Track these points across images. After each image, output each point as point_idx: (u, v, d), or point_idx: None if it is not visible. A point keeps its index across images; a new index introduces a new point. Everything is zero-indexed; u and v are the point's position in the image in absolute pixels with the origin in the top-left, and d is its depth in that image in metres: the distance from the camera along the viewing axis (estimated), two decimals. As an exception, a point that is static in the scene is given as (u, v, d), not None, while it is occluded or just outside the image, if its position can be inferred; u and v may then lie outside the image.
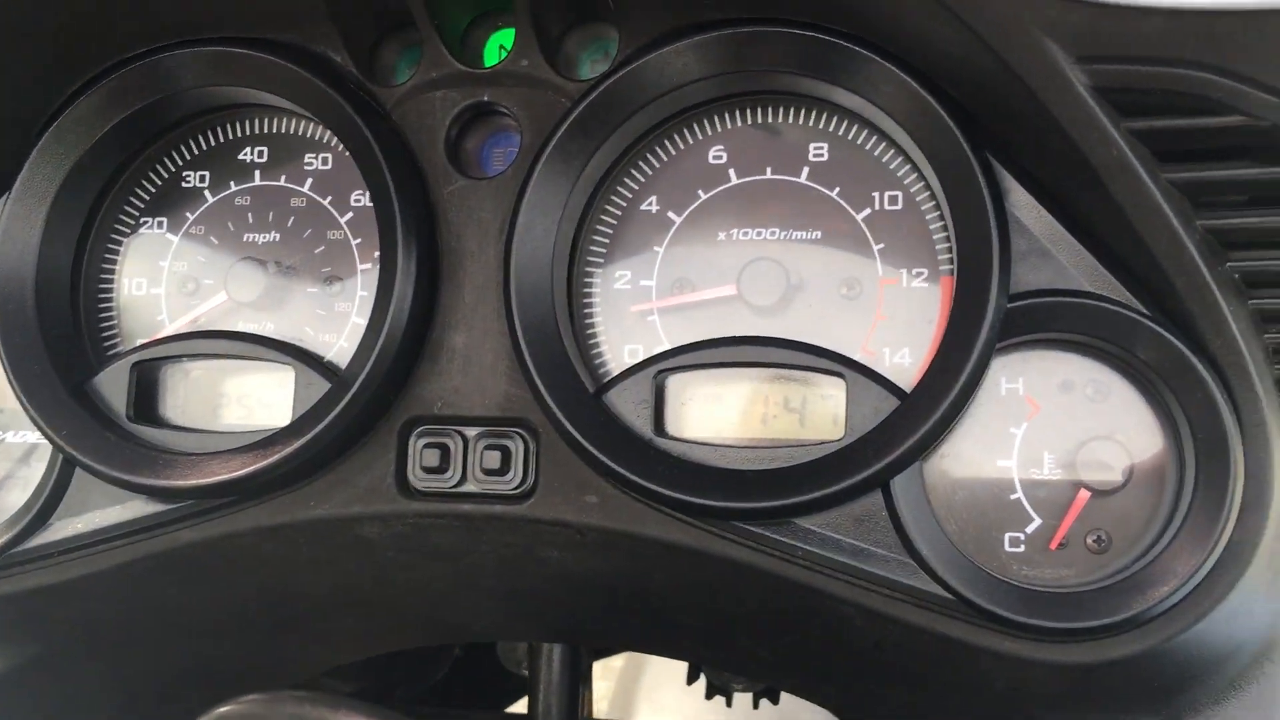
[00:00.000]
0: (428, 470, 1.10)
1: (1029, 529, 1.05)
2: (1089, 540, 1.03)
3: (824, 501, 1.00)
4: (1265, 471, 0.95)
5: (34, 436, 1.24)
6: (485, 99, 1.14)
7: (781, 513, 1.01)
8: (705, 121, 1.16)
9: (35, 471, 1.22)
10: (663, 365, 1.08)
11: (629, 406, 1.07)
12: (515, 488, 1.09)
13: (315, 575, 1.21)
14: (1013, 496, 1.05)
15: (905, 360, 1.09)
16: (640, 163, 1.16)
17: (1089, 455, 1.03)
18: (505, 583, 1.20)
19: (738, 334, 1.11)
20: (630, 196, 1.17)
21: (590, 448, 1.03)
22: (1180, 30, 0.84)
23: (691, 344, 1.08)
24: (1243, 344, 0.95)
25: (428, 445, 1.10)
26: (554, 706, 1.41)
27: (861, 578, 1.01)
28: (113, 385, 1.18)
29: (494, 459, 1.09)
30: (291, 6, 1.11)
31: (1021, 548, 1.05)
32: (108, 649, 1.31)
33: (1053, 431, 1.05)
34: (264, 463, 1.08)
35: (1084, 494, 1.03)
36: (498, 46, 1.21)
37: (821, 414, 1.10)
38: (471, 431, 1.11)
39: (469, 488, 1.10)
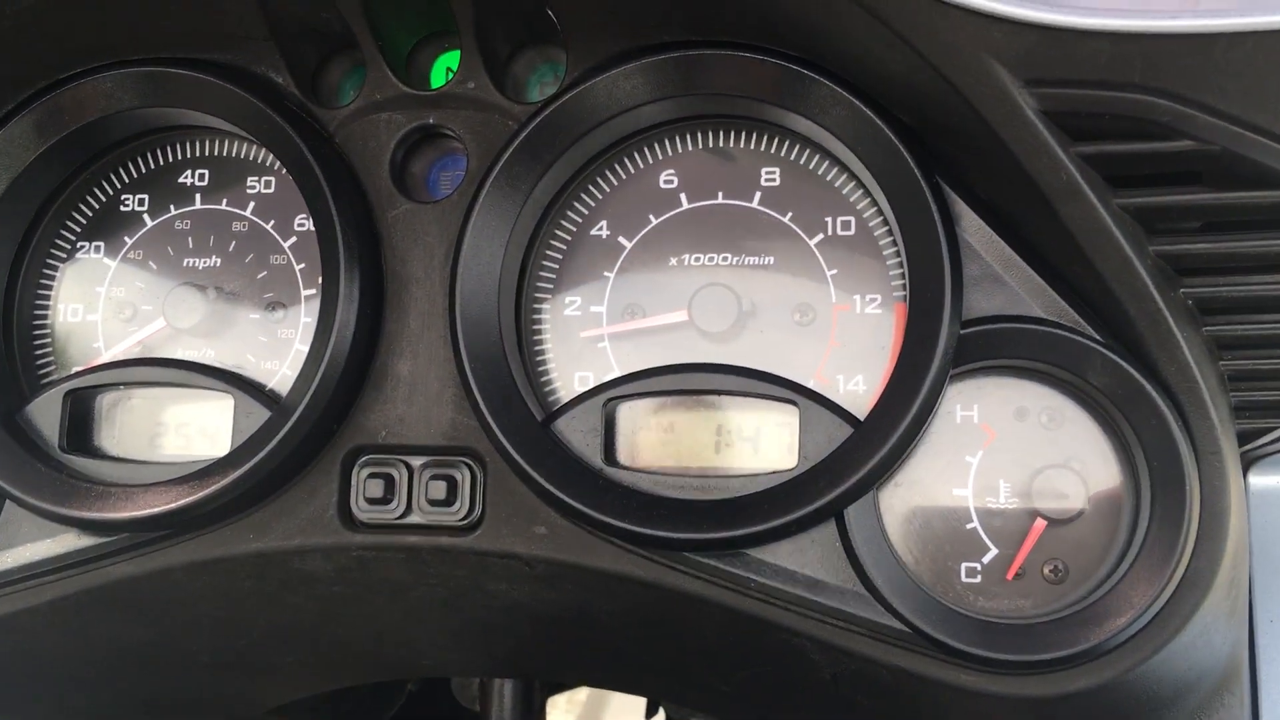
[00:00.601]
0: (371, 501, 1.07)
1: (985, 559, 1.03)
2: (1046, 570, 1.02)
3: (777, 532, 0.97)
4: (1221, 500, 0.94)
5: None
6: (431, 121, 1.12)
7: (733, 544, 0.99)
8: (656, 145, 1.14)
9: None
10: (612, 393, 1.05)
11: (578, 435, 1.05)
12: (462, 519, 1.06)
13: (257, 610, 1.17)
14: (969, 526, 1.04)
15: (859, 387, 1.08)
16: (590, 187, 1.14)
17: (1045, 483, 1.01)
18: (454, 617, 1.16)
19: (689, 360, 1.09)
20: (580, 221, 1.15)
21: (538, 478, 1.01)
22: (1126, 54, 0.83)
23: (642, 371, 1.06)
24: (1196, 371, 0.94)
25: (371, 475, 1.07)
26: (506, 743, 1.37)
27: (816, 610, 0.99)
28: (45, 414, 1.14)
29: (440, 489, 1.06)
30: (232, 27, 1.09)
31: (978, 578, 1.03)
32: (47, 687, 1.26)
33: (1008, 459, 1.04)
34: (200, 494, 1.05)
35: (1040, 523, 1.01)
36: (445, 68, 1.19)
37: (775, 442, 1.08)
38: (417, 461, 1.08)
39: (414, 519, 1.07)
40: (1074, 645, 0.93)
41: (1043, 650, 0.94)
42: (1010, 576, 1.02)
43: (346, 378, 1.07)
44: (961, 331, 0.97)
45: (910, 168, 0.97)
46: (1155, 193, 0.91)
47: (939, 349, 0.95)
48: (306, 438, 1.06)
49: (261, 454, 1.04)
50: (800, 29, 0.95)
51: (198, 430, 1.17)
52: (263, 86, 1.12)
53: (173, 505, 1.05)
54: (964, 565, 1.03)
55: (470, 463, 1.07)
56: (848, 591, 0.98)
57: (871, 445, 0.96)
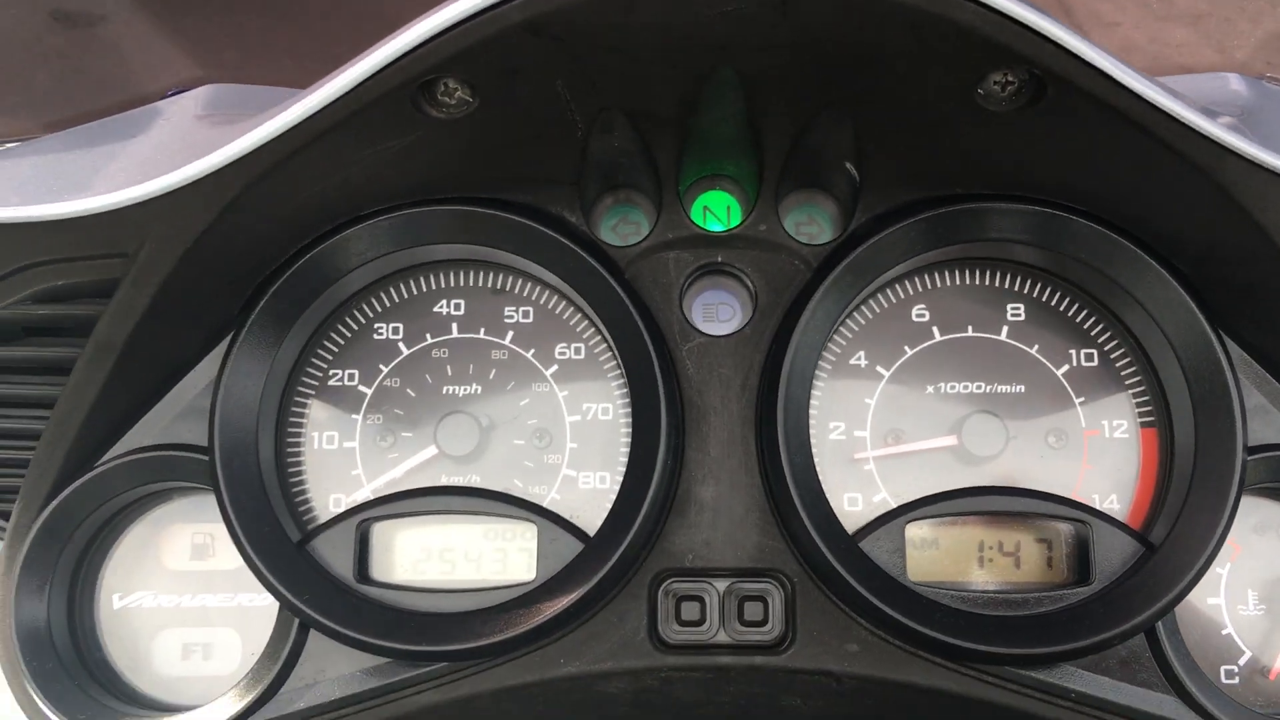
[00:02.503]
0: (684, 624, 1.12)
1: (1241, 661, 1.15)
2: (1298, 669, 1.14)
3: (1099, 645, 1.06)
4: None
5: (246, 599, 1.19)
6: (719, 260, 1.19)
7: (1057, 658, 1.07)
8: (908, 282, 1.24)
9: (243, 638, 1.18)
10: (912, 515, 1.13)
11: (884, 554, 1.12)
12: (774, 638, 1.12)
13: (533, 734, 1.19)
14: (1224, 631, 1.15)
15: (1115, 506, 1.19)
16: (849, 320, 1.23)
17: (1296, 590, 1.14)
18: (726, 733, 1.21)
19: (957, 481, 1.18)
20: (839, 352, 1.23)
21: (861, 589, 1.07)
22: None
23: (940, 494, 1.15)
24: None
25: (684, 598, 1.12)
26: None
27: (1125, 714, 1.08)
28: (335, 545, 1.15)
29: (756, 610, 1.11)
30: (546, 172, 1.14)
31: (1236, 679, 1.14)
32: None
33: (1255, 570, 1.16)
34: (529, 625, 1.08)
35: (1296, 627, 1.14)
36: (703, 208, 1.26)
37: (1035, 557, 1.17)
38: (721, 583, 1.13)
39: (724, 639, 1.12)
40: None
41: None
42: (1273, 677, 1.13)
43: (658, 506, 1.12)
44: (1249, 458, 1.09)
45: (1196, 314, 1.10)
46: None
47: (1235, 477, 1.07)
48: (620, 566, 1.10)
49: (588, 585, 1.08)
50: (1114, 194, 1.08)
51: (485, 555, 1.19)
52: (560, 225, 1.17)
53: (503, 635, 1.07)
54: (1223, 668, 1.15)
55: (776, 583, 1.13)
56: (1159, 696, 1.07)
57: (1179, 567, 1.06)
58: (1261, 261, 1.02)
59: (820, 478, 1.19)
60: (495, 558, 1.20)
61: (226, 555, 1.20)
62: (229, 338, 1.15)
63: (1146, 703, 1.08)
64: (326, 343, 1.25)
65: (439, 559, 1.20)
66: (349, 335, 1.25)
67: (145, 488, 1.16)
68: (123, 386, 1.12)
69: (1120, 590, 1.09)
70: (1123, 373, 1.21)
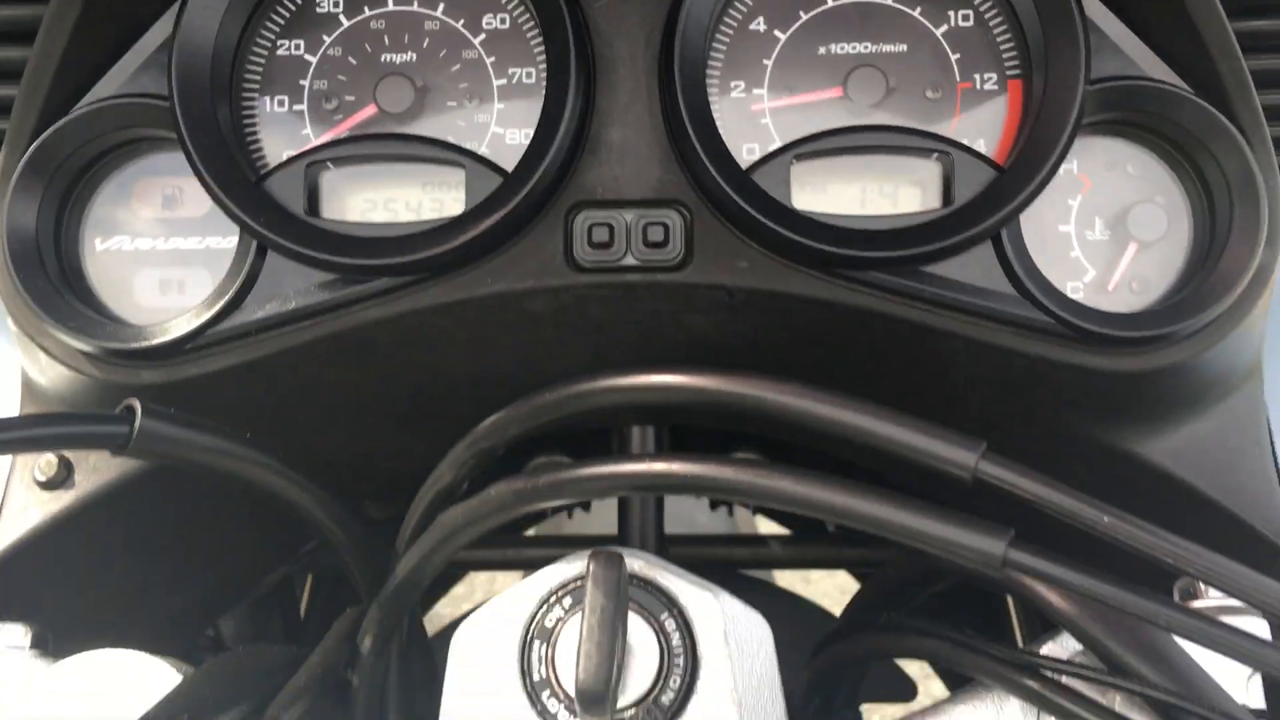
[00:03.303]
0: (596, 246, 1.28)
1: (1086, 279, 1.32)
2: (1133, 285, 1.31)
3: (948, 250, 1.23)
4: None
5: (214, 242, 1.34)
6: (621, -79, 1.31)
7: (912, 260, 1.24)
8: (804, -48, 1.36)
9: (213, 275, 1.34)
10: (799, 150, 1.29)
11: (772, 185, 1.28)
12: (675, 258, 1.28)
13: (471, 353, 1.36)
14: (1072, 254, 1.32)
15: (982, 147, 1.33)
16: (748, -13, 1.36)
17: (1137, 215, 1.30)
18: (640, 354, 1.38)
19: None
20: (740, 19, 1.36)
21: (751, 211, 1.22)
22: None
23: (825, 132, 1.29)
24: (1263, 116, 1.24)
25: (595, 225, 1.28)
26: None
27: (974, 312, 1.25)
28: (287, 186, 1.30)
29: (658, 233, 1.27)
30: None
31: (1080, 294, 1.31)
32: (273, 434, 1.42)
33: (1102, 202, 1.32)
34: (454, 242, 1.24)
35: (1134, 246, 1.30)
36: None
37: (910, 195, 1.33)
38: (629, 213, 1.29)
39: (630, 260, 1.28)
40: (1190, 317, 1.22)
41: (1156, 326, 1.23)
42: (1111, 289, 1.30)
43: (569, 145, 1.27)
44: (1090, 88, 1.24)
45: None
46: None
47: (1076, 102, 1.21)
48: (536, 196, 1.26)
49: (506, 209, 1.23)
50: None
51: (423, 205, 1.34)
52: None
53: (433, 251, 1.23)
54: (1069, 284, 1.32)
55: (678, 211, 1.28)
56: (1003, 295, 1.25)
57: (1023, 183, 1.22)
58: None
59: (721, 129, 1.33)
60: (433, 207, 1.35)
61: (194, 204, 1.35)
62: (180, -2, 1.28)
63: (991, 300, 1.24)
64: (273, 14, 1.37)
65: (383, 209, 1.35)
66: (293, 9, 1.38)
67: (114, 135, 1.30)
68: (87, 41, 1.25)
69: (971, 205, 1.25)
70: (994, 30, 1.34)
